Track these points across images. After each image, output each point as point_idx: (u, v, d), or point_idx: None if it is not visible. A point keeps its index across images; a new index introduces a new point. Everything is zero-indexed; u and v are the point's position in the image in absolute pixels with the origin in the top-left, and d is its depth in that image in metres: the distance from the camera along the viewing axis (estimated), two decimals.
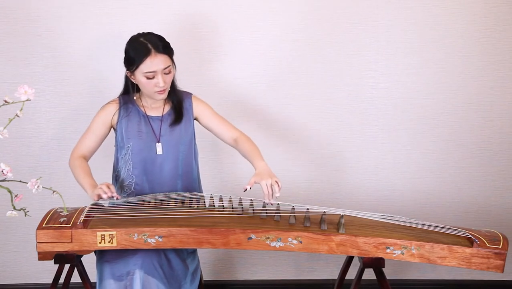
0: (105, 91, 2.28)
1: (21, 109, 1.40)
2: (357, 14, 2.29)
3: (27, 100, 1.37)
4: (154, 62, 1.73)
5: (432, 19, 2.29)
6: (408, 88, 2.36)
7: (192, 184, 1.98)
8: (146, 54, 1.72)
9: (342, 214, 1.64)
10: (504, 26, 2.30)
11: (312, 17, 2.29)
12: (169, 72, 1.78)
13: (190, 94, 1.96)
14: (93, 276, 1.81)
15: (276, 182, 1.66)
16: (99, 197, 1.69)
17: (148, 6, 2.25)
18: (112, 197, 1.69)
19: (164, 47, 1.76)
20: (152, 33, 1.81)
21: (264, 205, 1.73)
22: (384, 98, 2.37)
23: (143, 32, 1.82)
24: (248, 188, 1.68)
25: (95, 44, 2.28)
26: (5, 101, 1.39)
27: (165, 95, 1.82)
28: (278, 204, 1.73)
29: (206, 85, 2.33)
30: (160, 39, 1.79)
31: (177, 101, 1.91)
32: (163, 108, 1.91)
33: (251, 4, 2.27)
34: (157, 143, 1.88)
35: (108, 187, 1.70)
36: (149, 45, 1.73)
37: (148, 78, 1.75)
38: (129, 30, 2.25)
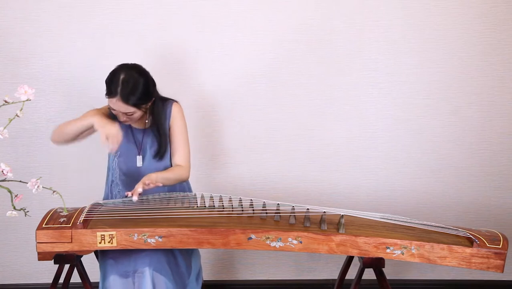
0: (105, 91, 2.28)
1: (21, 109, 1.40)
2: (357, 14, 2.29)
3: (27, 100, 1.38)
4: (116, 105, 1.75)
5: (432, 19, 2.29)
6: (408, 88, 2.36)
7: (182, 190, 2.00)
8: (112, 95, 1.73)
9: (342, 214, 1.64)
10: (504, 26, 2.30)
11: (312, 17, 2.29)
12: (132, 114, 1.78)
13: (173, 102, 1.94)
14: (92, 276, 1.81)
15: (144, 182, 1.71)
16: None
17: (148, 6, 2.25)
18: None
19: (133, 100, 1.73)
20: (141, 74, 1.78)
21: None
22: (384, 98, 2.37)
23: (135, 66, 1.80)
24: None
25: (95, 44, 2.28)
26: (5, 101, 1.39)
27: (133, 122, 1.86)
28: (278, 204, 1.73)
29: (206, 86, 2.34)
30: (136, 89, 1.74)
31: (158, 117, 1.89)
32: (146, 122, 1.91)
33: (251, 4, 2.27)
34: (137, 156, 1.91)
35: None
36: (119, 89, 1.72)
37: (112, 109, 1.79)
38: (129, 30, 2.26)
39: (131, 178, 1.90)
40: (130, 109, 1.76)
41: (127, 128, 1.92)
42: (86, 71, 2.31)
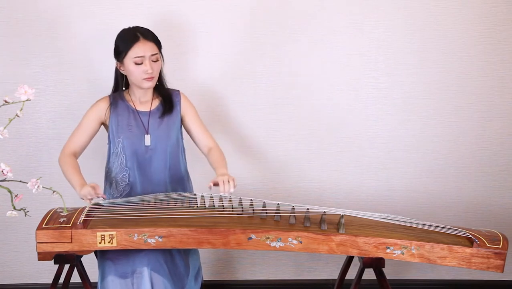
0: (105, 91, 2.27)
1: (21, 109, 1.40)
2: (357, 14, 2.28)
3: (27, 100, 1.38)
4: (142, 48, 1.82)
5: (432, 19, 2.29)
6: (408, 88, 2.36)
7: (178, 177, 2.01)
8: (135, 40, 1.82)
9: (342, 214, 1.64)
10: (504, 26, 2.30)
11: (312, 17, 2.29)
12: (157, 60, 1.86)
13: (178, 91, 2.02)
14: (92, 276, 1.81)
15: (232, 179, 1.74)
16: (88, 199, 1.71)
17: (148, 7, 2.25)
18: (98, 197, 1.71)
19: (152, 36, 1.86)
20: (139, 26, 1.91)
21: (221, 196, 1.80)
22: (384, 98, 2.37)
23: (130, 26, 1.91)
24: (211, 184, 1.75)
25: (95, 44, 2.28)
26: (5, 101, 1.39)
27: (152, 83, 1.87)
28: (278, 204, 1.73)
29: (205, 86, 2.34)
30: (148, 29, 1.88)
31: (166, 95, 1.97)
32: (151, 103, 1.96)
33: (251, 3, 2.27)
34: (145, 135, 1.93)
35: (94, 188, 1.71)
36: (138, 33, 1.84)
37: (136, 63, 1.82)
38: None
39: (138, 160, 1.92)
40: (154, 48, 1.84)
41: (132, 112, 1.93)
42: (86, 71, 2.31)
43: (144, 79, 1.84)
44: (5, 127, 1.40)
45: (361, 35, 2.30)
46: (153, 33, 1.88)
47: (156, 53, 1.85)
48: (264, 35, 2.30)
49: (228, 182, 1.72)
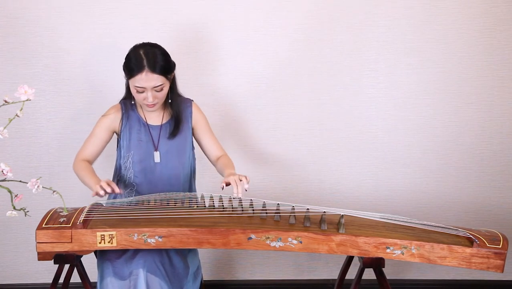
0: (105, 91, 2.29)
1: (21, 109, 1.40)
2: (357, 14, 2.29)
3: (27, 100, 1.38)
4: (145, 79, 1.73)
5: (432, 19, 2.29)
6: (408, 88, 2.36)
7: (189, 191, 2.01)
8: (139, 70, 1.73)
9: (342, 214, 1.64)
10: (504, 26, 2.30)
11: (312, 17, 2.29)
12: (161, 90, 1.78)
13: (191, 101, 1.98)
14: (92, 276, 1.81)
15: (244, 176, 1.70)
16: (98, 194, 1.68)
17: (148, 7, 2.25)
18: (114, 192, 1.69)
19: (160, 67, 1.74)
20: (157, 46, 1.80)
21: (232, 198, 1.77)
22: (384, 98, 2.37)
23: (148, 43, 1.81)
24: (223, 184, 1.73)
25: (95, 44, 2.28)
26: (5, 101, 1.39)
27: (155, 108, 1.84)
28: (278, 204, 1.73)
29: (206, 86, 2.34)
30: (160, 57, 1.76)
31: (177, 112, 1.91)
32: (162, 117, 1.93)
33: (251, 4, 2.27)
34: (154, 152, 1.90)
35: (109, 184, 1.68)
36: (145, 62, 1.73)
37: (138, 92, 1.77)
38: (129, 30, 2.27)
39: (146, 176, 1.90)
40: (159, 80, 1.74)
41: (143, 125, 1.91)
42: (86, 71, 2.31)
43: (145, 104, 1.81)
44: (5, 127, 1.40)
45: (361, 35, 2.30)
46: (164, 61, 1.76)
47: (160, 85, 1.76)
48: (263, 35, 2.30)
49: (240, 180, 1.69)
